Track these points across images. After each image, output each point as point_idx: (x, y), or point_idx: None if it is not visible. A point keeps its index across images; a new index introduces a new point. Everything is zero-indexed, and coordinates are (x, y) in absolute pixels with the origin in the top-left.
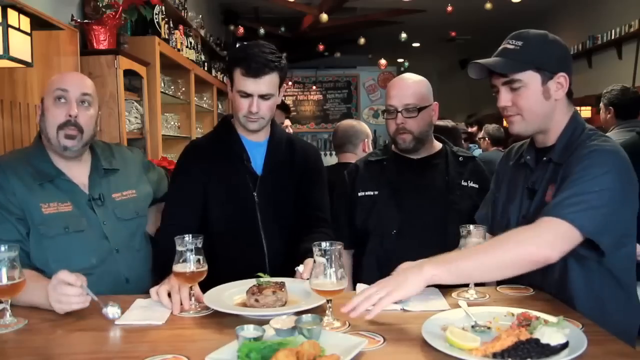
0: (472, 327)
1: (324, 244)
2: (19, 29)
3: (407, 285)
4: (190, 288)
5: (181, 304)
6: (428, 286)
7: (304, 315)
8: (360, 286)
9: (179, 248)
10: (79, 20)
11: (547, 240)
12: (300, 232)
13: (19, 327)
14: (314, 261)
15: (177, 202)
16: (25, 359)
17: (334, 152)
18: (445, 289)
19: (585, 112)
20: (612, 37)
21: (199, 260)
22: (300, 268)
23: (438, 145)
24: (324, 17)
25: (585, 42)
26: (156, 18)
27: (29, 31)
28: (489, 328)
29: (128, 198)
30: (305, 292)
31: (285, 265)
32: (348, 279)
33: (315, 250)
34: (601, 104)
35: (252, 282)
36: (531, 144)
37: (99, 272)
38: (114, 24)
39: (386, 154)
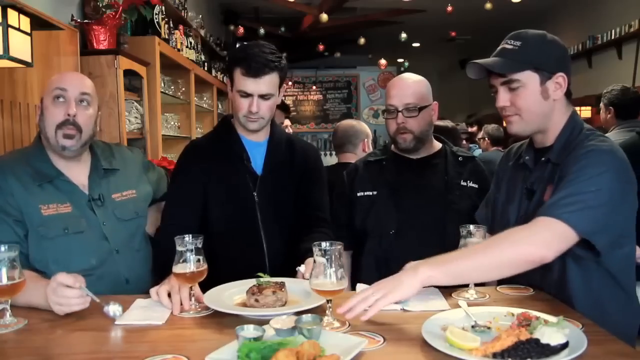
0: (472, 327)
1: (324, 244)
2: (19, 29)
3: (403, 287)
4: (190, 288)
5: (181, 304)
6: (428, 286)
7: (304, 315)
8: (360, 286)
9: (179, 248)
10: (79, 20)
11: (542, 239)
12: (300, 232)
13: (19, 327)
14: (314, 261)
15: (177, 202)
16: (25, 359)
17: (334, 152)
18: (445, 289)
19: (585, 112)
20: (612, 37)
21: (199, 261)
22: (301, 268)
23: (437, 145)
24: (324, 17)
25: (585, 42)
26: (156, 18)
27: (29, 31)
28: (489, 328)
29: (128, 198)
30: (305, 292)
31: (285, 265)
32: (347, 279)
33: (315, 250)
34: (601, 104)
35: (252, 282)
36: (530, 144)
37: (99, 273)
38: (114, 24)
39: (385, 154)
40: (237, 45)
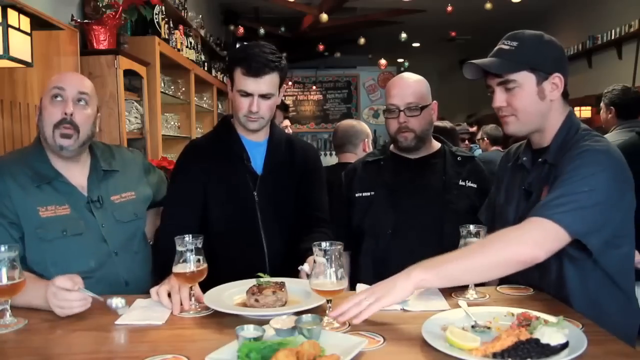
0: (472, 327)
1: (324, 244)
2: (19, 29)
3: (396, 290)
4: (190, 288)
5: (181, 304)
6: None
7: (304, 315)
8: (360, 286)
9: (179, 248)
10: (79, 20)
11: (534, 240)
12: (300, 232)
13: (19, 327)
14: (314, 261)
15: (176, 202)
16: (25, 359)
17: (334, 152)
18: (445, 289)
19: (585, 112)
20: (612, 37)
21: (199, 260)
22: (305, 267)
23: (437, 145)
24: (324, 17)
25: (585, 42)
26: (156, 18)
27: (29, 31)
28: (489, 328)
29: (127, 200)
30: (305, 292)
31: (285, 265)
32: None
33: (316, 250)
34: (602, 104)
35: (252, 282)
36: (528, 145)
37: (98, 275)
38: (114, 24)
39: (384, 154)
40: (237, 45)
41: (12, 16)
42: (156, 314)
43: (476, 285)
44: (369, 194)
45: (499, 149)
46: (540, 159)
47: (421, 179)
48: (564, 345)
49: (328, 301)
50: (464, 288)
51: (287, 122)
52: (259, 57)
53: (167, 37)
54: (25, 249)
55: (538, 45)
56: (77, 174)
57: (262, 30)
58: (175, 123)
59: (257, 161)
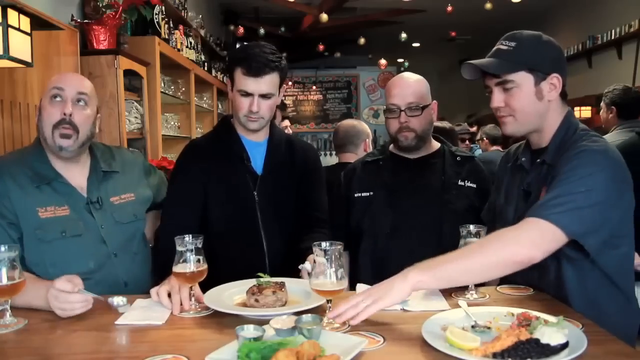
0: (472, 327)
1: (324, 244)
2: (19, 29)
3: (393, 292)
4: (190, 288)
5: (181, 304)
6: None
7: (304, 315)
8: (360, 286)
9: (179, 248)
10: (79, 20)
11: (530, 240)
12: (300, 232)
13: (19, 327)
14: (314, 260)
15: (176, 202)
16: (25, 359)
17: (334, 152)
18: (445, 289)
19: (585, 112)
20: (612, 37)
21: (199, 261)
22: (307, 265)
23: (436, 145)
24: (324, 17)
25: (585, 42)
26: (156, 18)
27: (29, 31)
28: (489, 328)
29: (126, 201)
30: (305, 292)
31: (286, 265)
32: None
33: (316, 250)
34: (602, 104)
35: (252, 282)
36: (527, 145)
37: (97, 276)
38: (114, 24)
39: (383, 153)
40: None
41: (12, 16)
42: (156, 314)
43: (476, 285)
44: (367, 194)
45: (498, 149)
46: (538, 160)
47: (420, 179)
48: (564, 345)
49: (328, 301)
50: (464, 288)
51: (287, 122)
52: (259, 57)
53: (167, 37)
54: (24, 249)
55: (536, 45)
56: (77, 174)
57: (262, 30)
58: (175, 123)
59: (257, 161)
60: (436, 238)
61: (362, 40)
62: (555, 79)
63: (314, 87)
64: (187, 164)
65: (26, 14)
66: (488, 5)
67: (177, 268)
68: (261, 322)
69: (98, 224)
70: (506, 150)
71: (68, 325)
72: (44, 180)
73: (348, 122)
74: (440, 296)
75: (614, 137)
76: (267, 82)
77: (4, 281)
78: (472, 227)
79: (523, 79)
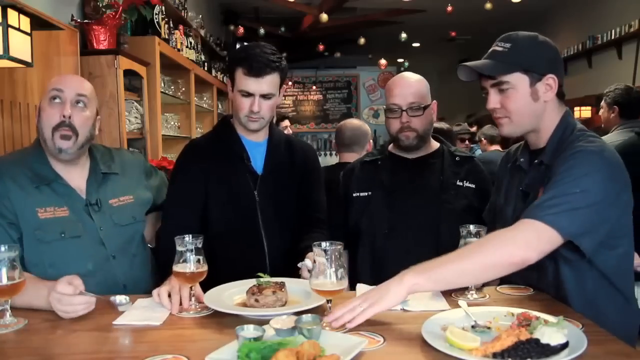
0: (472, 327)
1: (324, 244)
2: (19, 29)
3: (389, 296)
4: (191, 288)
5: (181, 304)
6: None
7: (304, 315)
8: (360, 287)
9: (179, 248)
10: (79, 20)
11: (525, 241)
12: (300, 232)
13: (19, 327)
14: (314, 260)
15: (177, 202)
16: (25, 359)
17: (334, 152)
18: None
19: (585, 112)
20: (612, 37)
21: (199, 261)
22: (307, 262)
23: (435, 145)
24: (324, 17)
25: (585, 42)
26: (156, 18)
27: (29, 31)
28: (489, 328)
29: (125, 203)
30: (305, 292)
31: (286, 265)
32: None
33: (316, 250)
34: (603, 103)
35: (252, 282)
36: (525, 146)
37: (96, 278)
38: (114, 24)
39: (382, 153)
40: (237, 46)
41: (12, 16)
42: (156, 315)
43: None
44: (366, 193)
45: (498, 149)
46: (536, 160)
47: (418, 179)
48: (564, 345)
49: (328, 301)
50: (464, 288)
51: (286, 122)
52: (260, 57)
53: (167, 37)
54: (23, 250)
55: (531, 46)
56: (76, 176)
57: (262, 30)
58: (175, 123)
59: (257, 161)
60: (434, 238)
61: (362, 40)
62: (551, 80)
63: (314, 87)
64: (186, 164)
65: (26, 14)
66: (488, 5)
67: (177, 268)
68: (261, 322)
69: (97, 226)
70: (506, 150)
71: (68, 325)
72: (44, 181)
73: (353, 122)
74: (440, 296)
75: (614, 138)
76: (268, 82)
77: (4, 281)
78: (472, 227)
79: (518, 80)
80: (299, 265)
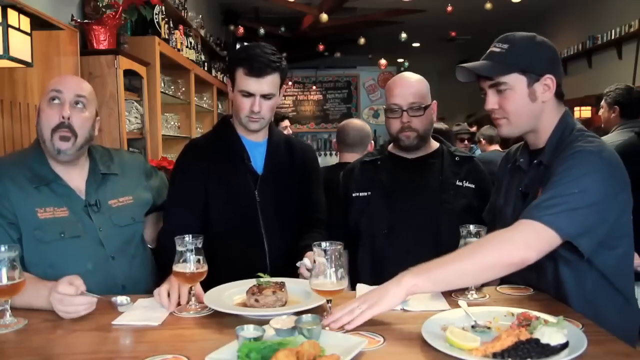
0: (472, 327)
1: (324, 244)
2: (19, 29)
3: (388, 297)
4: (191, 288)
5: (180, 304)
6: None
7: (304, 315)
8: (360, 287)
9: (179, 248)
10: (79, 20)
11: (524, 241)
12: (300, 231)
13: (19, 327)
14: (314, 260)
15: (177, 202)
16: (25, 359)
17: (334, 152)
18: None
19: (585, 112)
20: (612, 37)
21: (199, 261)
22: (306, 261)
23: (435, 145)
24: (324, 17)
25: (585, 42)
26: (156, 18)
27: (29, 31)
28: (489, 328)
29: (124, 204)
30: (305, 292)
31: (286, 265)
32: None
33: (316, 250)
34: (604, 103)
35: (252, 282)
36: (525, 146)
37: (95, 278)
38: (114, 24)
39: (381, 153)
40: (237, 46)
41: (12, 16)
42: (156, 314)
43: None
44: (365, 193)
45: (497, 149)
46: (535, 160)
47: (418, 179)
48: (564, 345)
49: (328, 301)
50: (464, 288)
51: (286, 122)
52: (260, 57)
53: (167, 37)
54: (23, 250)
55: (529, 47)
56: (76, 177)
57: (262, 30)
58: (175, 123)
59: (257, 161)
60: (433, 238)
61: (362, 40)
62: (549, 80)
63: (314, 87)
64: (186, 163)
65: (26, 14)
66: (488, 5)
67: (177, 268)
68: (261, 322)
69: (96, 227)
70: (506, 151)
71: (68, 325)
72: (43, 181)
73: (356, 122)
74: (440, 296)
75: (614, 138)
76: (269, 83)
77: (4, 281)
78: (472, 227)
79: (516, 81)
80: (298, 264)
